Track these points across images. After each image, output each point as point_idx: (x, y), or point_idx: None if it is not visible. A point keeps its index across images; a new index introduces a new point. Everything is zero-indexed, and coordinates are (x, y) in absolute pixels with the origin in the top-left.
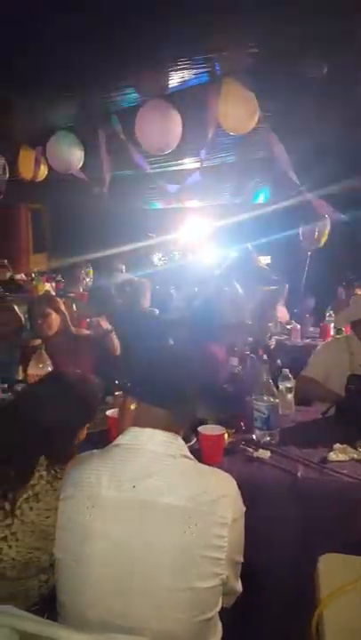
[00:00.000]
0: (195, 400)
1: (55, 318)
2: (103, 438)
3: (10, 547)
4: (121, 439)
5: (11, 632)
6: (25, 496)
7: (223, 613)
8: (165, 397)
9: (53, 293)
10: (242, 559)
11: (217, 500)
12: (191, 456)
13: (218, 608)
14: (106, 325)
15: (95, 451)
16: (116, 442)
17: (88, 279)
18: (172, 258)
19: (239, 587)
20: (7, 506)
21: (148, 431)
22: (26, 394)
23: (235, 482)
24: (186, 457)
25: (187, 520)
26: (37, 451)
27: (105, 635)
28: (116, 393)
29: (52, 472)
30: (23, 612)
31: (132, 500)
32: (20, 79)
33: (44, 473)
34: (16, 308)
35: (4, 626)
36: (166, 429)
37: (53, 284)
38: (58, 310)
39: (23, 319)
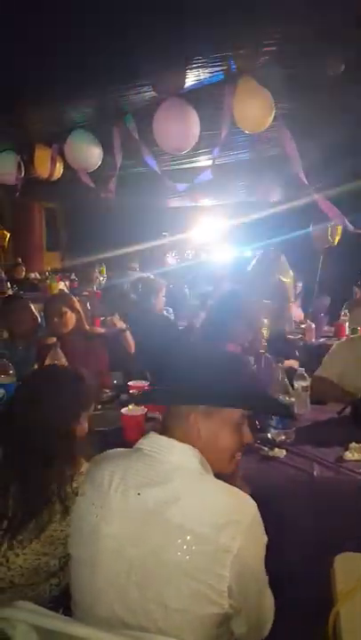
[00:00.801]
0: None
1: (70, 317)
2: (117, 436)
3: (17, 555)
4: (140, 443)
5: (28, 628)
6: (48, 517)
7: None
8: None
9: (67, 292)
10: (260, 590)
11: (224, 525)
12: (210, 474)
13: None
14: (120, 324)
15: (120, 450)
16: (137, 444)
17: (101, 278)
18: (185, 257)
19: (259, 620)
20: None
21: (164, 440)
22: (17, 396)
23: (255, 509)
24: (203, 473)
25: (183, 540)
26: (43, 471)
27: (122, 632)
28: (131, 390)
29: (72, 486)
30: (40, 608)
31: (135, 507)
32: (37, 78)
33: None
34: (32, 306)
35: (22, 621)
36: (188, 442)
37: (67, 283)
38: (73, 309)
39: (39, 317)
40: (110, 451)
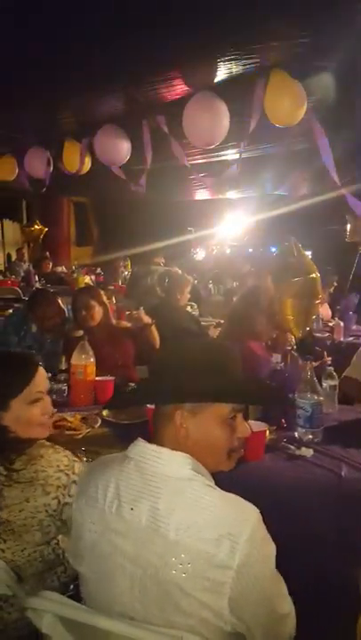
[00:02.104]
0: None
1: (98, 310)
2: (143, 430)
3: (3, 550)
4: (130, 451)
5: (53, 618)
6: None
7: None
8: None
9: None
10: (274, 607)
11: (220, 539)
12: (207, 480)
13: None
14: (146, 319)
15: (112, 457)
16: (126, 452)
17: (127, 272)
18: (211, 251)
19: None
20: None
21: (153, 448)
22: None
23: (256, 518)
24: (196, 481)
25: (179, 557)
26: None
27: (143, 626)
28: None
29: (5, 464)
30: (65, 598)
31: (130, 523)
32: (66, 73)
33: None
34: (59, 299)
35: (48, 611)
36: (175, 446)
37: (93, 277)
38: (100, 302)
39: (66, 311)
40: (103, 458)
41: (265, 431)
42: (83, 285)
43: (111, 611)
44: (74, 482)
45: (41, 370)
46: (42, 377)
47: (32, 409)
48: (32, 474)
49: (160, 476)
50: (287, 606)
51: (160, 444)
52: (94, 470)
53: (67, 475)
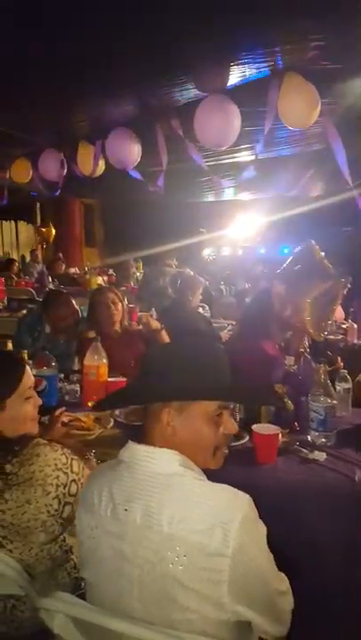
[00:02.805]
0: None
1: (119, 310)
2: None
3: (11, 550)
4: (122, 454)
5: (66, 618)
6: None
7: None
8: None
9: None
10: (272, 592)
11: (212, 528)
12: (196, 473)
13: None
14: (155, 324)
15: (109, 463)
16: (119, 455)
17: (138, 274)
18: (222, 253)
19: (277, 629)
20: None
21: (142, 448)
22: None
23: (246, 503)
24: (185, 475)
25: (174, 550)
26: None
27: (153, 627)
28: None
29: (2, 465)
30: (77, 599)
31: (125, 524)
32: (80, 75)
33: None
34: (73, 301)
35: (60, 612)
36: (164, 444)
37: (105, 278)
38: (119, 302)
39: (80, 312)
40: (102, 465)
41: (277, 434)
42: (95, 286)
43: (115, 613)
44: (73, 480)
45: (27, 366)
46: (29, 373)
47: (26, 405)
48: (30, 474)
49: (151, 474)
50: (284, 584)
51: (150, 443)
52: (93, 477)
53: (65, 473)
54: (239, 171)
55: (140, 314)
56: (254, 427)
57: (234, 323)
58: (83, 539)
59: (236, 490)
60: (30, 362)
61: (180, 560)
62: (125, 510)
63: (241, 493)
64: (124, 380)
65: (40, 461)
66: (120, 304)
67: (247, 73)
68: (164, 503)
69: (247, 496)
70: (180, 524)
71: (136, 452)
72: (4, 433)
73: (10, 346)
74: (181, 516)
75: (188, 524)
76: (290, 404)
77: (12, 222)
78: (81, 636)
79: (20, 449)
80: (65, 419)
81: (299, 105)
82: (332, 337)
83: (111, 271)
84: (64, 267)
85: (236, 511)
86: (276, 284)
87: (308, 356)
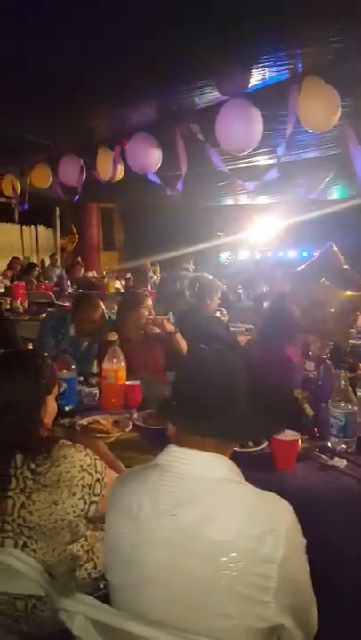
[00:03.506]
0: (243, 412)
1: (146, 312)
2: None
3: (35, 551)
4: (160, 459)
5: (85, 620)
6: (19, 503)
7: None
8: (211, 430)
9: (122, 291)
10: (307, 602)
11: (263, 535)
12: (240, 479)
13: None
14: (169, 327)
15: (142, 467)
16: (155, 461)
17: (156, 277)
18: (240, 256)
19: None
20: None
21: (188, 452)
22: None
23: (290, 512)
24: (232, 481)
25: (229, 556)
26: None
27: (176, 632)
28: None
29: (31, 467)
30: (96, 601)
31: (172, 528)
32: (100, 81)
33: (25, 471)
34: (102, 304)
35: (79, 613)
36: (209, 449)
37: (123, 282)
38: (147, 305)
39: (106, 315)
40: (132, 469)
41: (297, 440)
42: (113, 290)
43: (145, 619)
44: (98, 480)
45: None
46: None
47: (55, 402)
48: (57, 476)
49: (198, 479)
50: (312, 592)
51: (189, 446)
52: (126, 480)
53: (90, 474)
54: (258, 174)
55: (156, 317)
56: None
57: (252, 327)
58: (116, 542)
59: (279, 497)
60: None
61: (234, 566)
62: (173, 516)
63: (284, 502)
64: (139, 383)
65: (66, 463)
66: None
67: (267, 76)
68: (214, 509)
69: (289, 505)
70: (232, 530)
71: (178, 456)
72: (43, 428)
73: (31, 348)
74: (234, 523)
75: (241, 530)
76: (309, 410)
77: (32, 227)
78: (100, 638)
79: (47, 450)
80: (84, 421)
81: (319, 108)
82: (353, 342)
83: (129, 275)
84: (82, 271)
85: (285, 519)
86: (294, 288)
87: (329, 362)
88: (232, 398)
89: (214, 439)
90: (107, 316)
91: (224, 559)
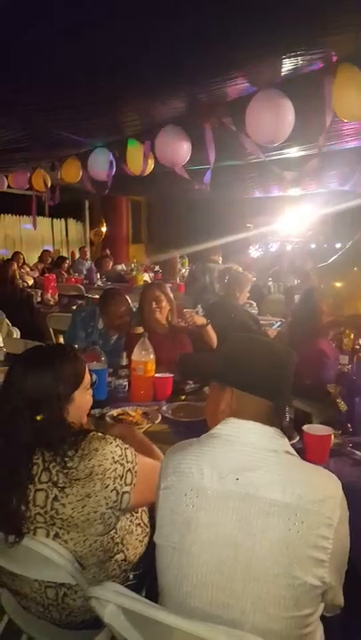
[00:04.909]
0: (289, 396)
1: (165, 305)
2: (201, 428)
3: (66, 541)
4: (220, 429)
5: (117, 609)
6: (52, 496)
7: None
8: (266, 389)
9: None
10: (345, 567)
11: (324, 499)
12: (294, 452)
13: (318, 614)
14: (200, 320)
15: (192, 439)
16: (213, 432)
17: (184, 270)
18: (270, 248)
19: (342, 599)
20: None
21: (248, 424)
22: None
23: (340, 483)
24: (289, 453)
25: (293, 517)
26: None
27: (206, 624)
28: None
29: (63, 460)
30: (126, 589)
31: (235, 492)
32: (130, 74)
33: (57, 465)
34: (128, 299)
35: (110, 602)
36: (266, 423)
37: (151, 275)
38: (168, 299)
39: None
40: (182, 442)
41: (329, 435)
42: (141, 283)
43: (202, 590)
44: (129, 470)
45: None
46: (86, 366)
47: (87, 396)
48: (90, 469)
49: (255, 448)
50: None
51: (244, 419)
52: (182, 450)
53: (122, 464)
54: (291, 164)
55: (185, 310)
56: (305, 427)
57: (283, 320)
58: (173, 506)
59: (328, 471)
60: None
61: (298, 526)
62: (237, 479)
63: (334, 475)
64: (171, 375)
65: (98, 455)
66: (165, 301)
67: (299, 65)
68: (275, 475)
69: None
70: (297, 494)
71: (239, 427)
72: (72, 423)
73: (62, 340)
74: (294, 488)
75: (305, 494)
76: (343, 405)
77: (63, 220)
78: (131, 627)
79: (79, 443)
80: (113, 412)
81: (354, 97)
82: None
83: (157, 268)
84: (111, 264)
85: (339, 488)
86: (326, 279)
87: None
88: (284, 369)
89: (271, 399)
90: (134, 309)
91: (288, 520)
